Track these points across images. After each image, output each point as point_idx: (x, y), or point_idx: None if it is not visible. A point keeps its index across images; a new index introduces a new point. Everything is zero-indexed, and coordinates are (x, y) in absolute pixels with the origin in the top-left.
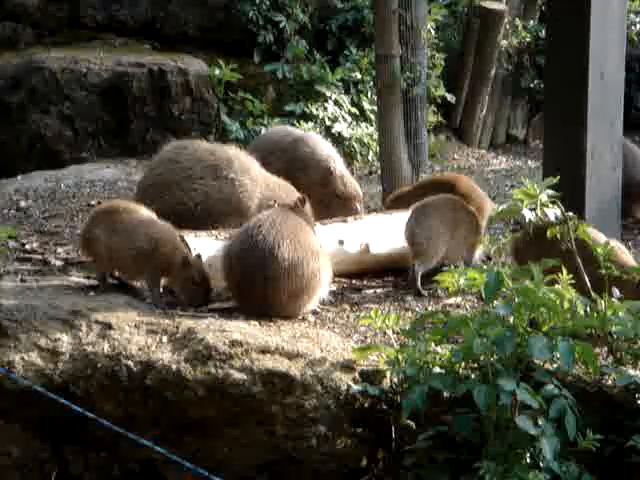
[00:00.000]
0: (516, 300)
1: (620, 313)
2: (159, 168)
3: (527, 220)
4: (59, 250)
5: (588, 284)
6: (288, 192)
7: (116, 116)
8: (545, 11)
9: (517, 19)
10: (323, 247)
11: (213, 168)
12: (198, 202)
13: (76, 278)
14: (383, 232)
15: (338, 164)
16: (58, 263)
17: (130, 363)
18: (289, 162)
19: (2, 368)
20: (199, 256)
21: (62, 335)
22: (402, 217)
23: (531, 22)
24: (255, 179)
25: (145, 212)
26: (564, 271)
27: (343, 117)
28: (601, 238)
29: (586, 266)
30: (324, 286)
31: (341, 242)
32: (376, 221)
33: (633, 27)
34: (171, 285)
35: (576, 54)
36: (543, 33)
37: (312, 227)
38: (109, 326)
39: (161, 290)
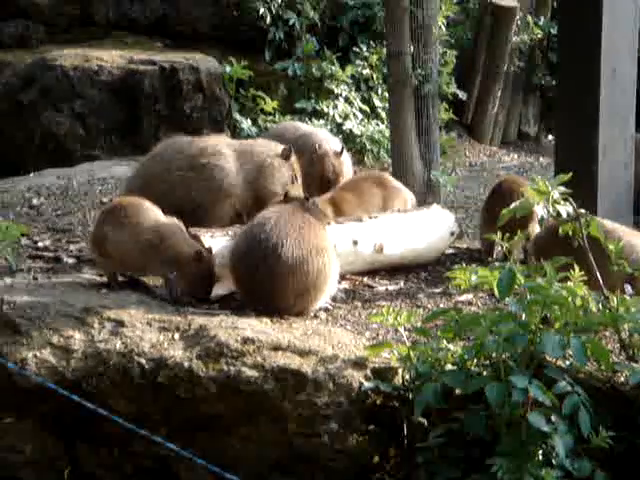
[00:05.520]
0: (528, 297)
1: (633, 309)
2: (146, 163)
3: (539, 217)
4: (71, 247)
5: (601, 281)
6: (269, 150)
7: (128, 114)
8: (557, 8)
9: (529, 16)
10: (331, 242)
11: (189, 158)
12: (181, 194)
13: (88, 275)
14: (398, 232)
15: (330, 145)
16: (70, 260)
17: (142, 360)
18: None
19: (15, 365)
20: (210, 250)
21: (74, 332)
22: (417, 216)
23: (542, 19)
24: (230, 157)
25: (150, 206)
26: (576, 268)
27: (354, 114)
28: (617, 228)
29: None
30: (332, 283)
31: (355, 242)
32: (391, 220)
33: None
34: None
35: (588, 51)
36: (555, 30)
37: (322, 222)
38: (121, 323)
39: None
